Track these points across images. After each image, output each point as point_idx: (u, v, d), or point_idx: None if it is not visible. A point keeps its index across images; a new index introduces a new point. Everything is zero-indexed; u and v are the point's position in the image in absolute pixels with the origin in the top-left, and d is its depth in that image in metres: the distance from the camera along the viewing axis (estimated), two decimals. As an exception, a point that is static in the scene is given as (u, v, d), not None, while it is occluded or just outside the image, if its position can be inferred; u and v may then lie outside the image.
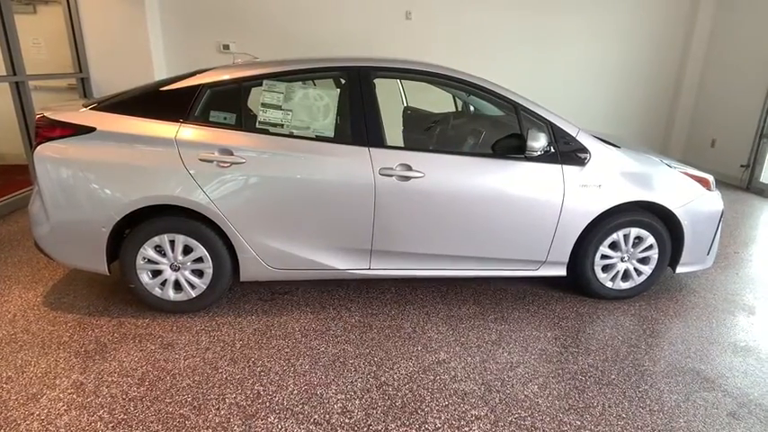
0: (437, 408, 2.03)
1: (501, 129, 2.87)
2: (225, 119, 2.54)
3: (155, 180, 2.44)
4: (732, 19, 5.65)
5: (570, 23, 5.77)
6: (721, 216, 2.91)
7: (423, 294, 2.96)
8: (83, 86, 5.39)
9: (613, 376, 2.27)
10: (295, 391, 2.11)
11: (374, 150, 2.52)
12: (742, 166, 5.46)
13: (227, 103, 2.55)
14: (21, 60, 4.28)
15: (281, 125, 2.53)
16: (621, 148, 2.87)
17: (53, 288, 2.95)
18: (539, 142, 2.45)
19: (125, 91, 2.71)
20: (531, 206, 2.65)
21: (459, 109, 3.66)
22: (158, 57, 5.49)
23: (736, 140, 5.57)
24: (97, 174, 2.43)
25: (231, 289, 2.95)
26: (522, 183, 2.63)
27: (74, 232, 2.52)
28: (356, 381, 2.18)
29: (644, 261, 2.88)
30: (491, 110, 3.41)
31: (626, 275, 2.89)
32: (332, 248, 2.64)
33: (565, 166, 2.64)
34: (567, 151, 2.65)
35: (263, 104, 2.53)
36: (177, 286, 2.64)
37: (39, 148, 2.45)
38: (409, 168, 2.52)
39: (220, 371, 2.23)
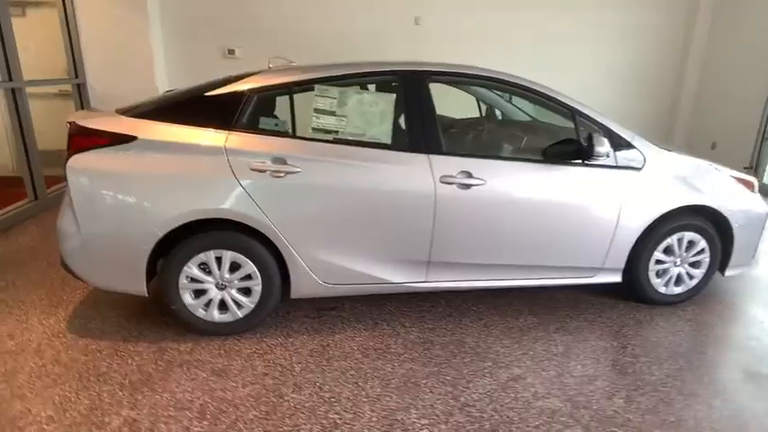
0: (528, 429, 1.92)
1: (550, 134, 2.80)
2: (276, 125, 2.38)
3: (203, 192, 2.26)
4: (731, 20, 5.77)
5: (570, 25, 5.79)
6: (766, 218, 2.91)
7: (475, 306, 2.85)
8: (79, 93, 5.08)
9: (694, 386, 2.21)
10: (374, 418, 1.95)
11: (434, 157, 2.41)
12: (746, 168, 5.59)
13: (276, 109, 2.39)
14: (18, 66, 3.98)
15: (336, 132, 2.39)
16: (672, 151, 2.84)
17: (76, 312, 2.70)
18: (604, 147, 2.39)
19: (162, 96, 2.54)
20: (590, 212, 2.58)
21: (483, 114, 3.59)
22: (159, 62, 5.24)
23: (738, 142, 5.69)
24: (139, 187, 2.23)
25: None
26: (581, 189, 2.56)
27: (110, 251, 2.30)
28: (435, 403, 2.05)
29: (695, 265, 2.85)
30: (519, 114, 3.36)
31: (678, 280, 2.86)
32: (388, 261, 2.50)
33: (622, 171, 2.59)
34: (623, 156, 2.60)
35: (316, 110, 2.38)
36: (222, 306, 2.44)
37: (72, 159, 2.23)
38: (470, 176, 2.41)
39: (287, 399, 2.05)
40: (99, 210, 2.25)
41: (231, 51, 5.40)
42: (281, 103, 2.42)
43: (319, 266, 2.43)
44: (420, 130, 2.42)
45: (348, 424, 1.92)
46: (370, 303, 2.83)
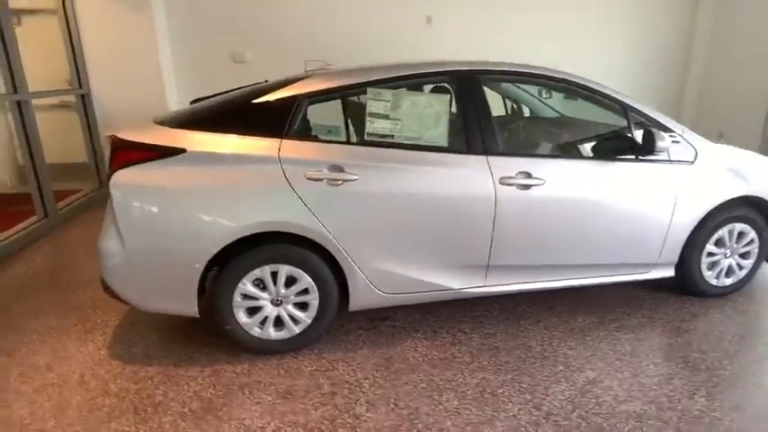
0: (620, 435, 1.86)
1: (597, 130, 2.75)
2: (329, 132, 2.28)
3: (259, 205, 2.14)
4: (736, 9, 5.83)
5: (576, 19, 5.79)
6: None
7: (530, 308, 2.79)
8: (83, 104, 4.87)
9: (769, 379, 2.18)
10: (461, 433, 1.87)
11: (492, 158, 2.33)
12: (754, 156, 5.66)
13: (330, 115, 2.29)
14: (23, 77, 3.79)
15: (391, 136, 2.29)
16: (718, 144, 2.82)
17: (114, 337, 2.55)
18: (665, 142, 2.35)
19: (204, 106, 2.41)
20: (647, 207, 2.54)
21: (509, 111, 3.54)
22: (167, 69, 5.06)
23: (745, 131, 5.76)
24: (190, 202, 2.10)
25: (322, 320, 2.66)
26: (638, 184, 2.52)
27: (159, 271, 2.17)
28: (518, 414, 1.97)
29: (744, 256, 2.84)
30: (549, 111, 3.31)
31: (729, 271, 2.84)
32: (447, 267, 2.42)
33: (675, 165, 2.56)
34: (676, 150, 2.56)
35: (371, 114, 2.28)
36: (278, 323, 2.33)
37: (116, 174, 2.09)
38: (529, 176, 2.35)
39: (363, 419, 1.95)
40: (147, 228, 2.12)
41: (241, 56, 5.24)
42: (332, 108, 2.32)
43: (378, 276, 2.33)
44: (477, 130, 2.34)
45: (435, 441, 1.84)
46: (422, 311, 2.74)
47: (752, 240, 2.80)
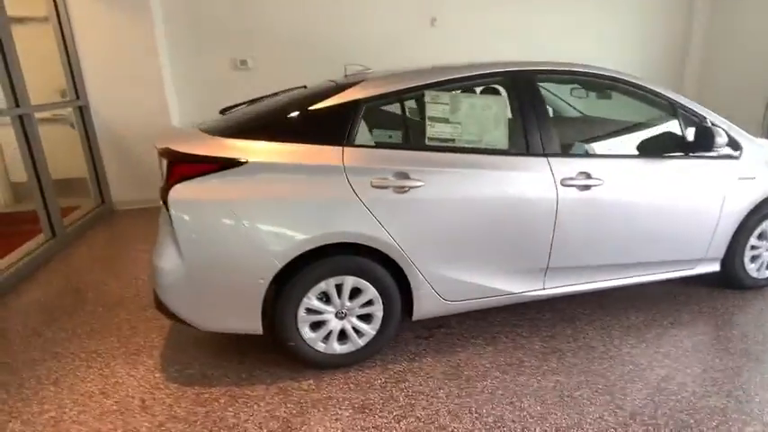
0: (709, 431, 1.87)
1: (643, 128, 2.78)
2: (390, 137, 2.23)
3: (326, 216, 2.07)
4: (734, 2, 5.91)
5: (576, 19, 5.86)
6: None
7: (580, 308, 2.79)
8: (81, 116, 4.67)
9: (832, 367, 2.23)
10: (553, 439, 1.85)
11: (553, 160, 2.32)
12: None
13: (389, 120, 2.24)
14: (24, 90, 3.60)
15: (452, 140, 2.26)
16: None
17: (164, 358, 2.43)
18: (722, 138, 2.39)
19: (251, 113, 2.34)
20: (698, 204, 2.58)
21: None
22: (167, 78, 4.90)
23: (746, 112, 5.76)
24: (254, 215, 2.02)
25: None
26: (689, 181, 2.55)
27: (222, 288, 2.08)
28: (603, 415, 1.96)
29: (782, 248, 2.91)
30: (571, 110, 3.33)
31: (769, 263, 2.91)
32: (507, 271, 2.39)
33: (723, 161, 2.60)
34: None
35: (431, 118, 2.24)
36: (341, 336, 2.26)
37: (174, 189, 1.99)
38: (589, 176, 2.35)
39: (451, 430, 1.91)
40: (208, 244, 2.03)
41: (243, 62, 5.12)
42: (394, 112, 2.27)
43: (442, 284, 2.29)
44: (536, 131, 2.33)
45: (529, 449, 1.81)
46: (474, 317, 2.71)
47: (790, 232, 2.87)
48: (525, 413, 1.98)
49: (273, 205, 2.04)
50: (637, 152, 2.52)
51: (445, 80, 2.29)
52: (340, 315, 2.23)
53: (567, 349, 2.41)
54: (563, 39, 5.81)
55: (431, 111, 2.24)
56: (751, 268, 2.86)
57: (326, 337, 2.24)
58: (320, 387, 2.18)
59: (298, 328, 2.18)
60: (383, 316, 2.27)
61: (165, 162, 2.07)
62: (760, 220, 2.75)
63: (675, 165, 2.52)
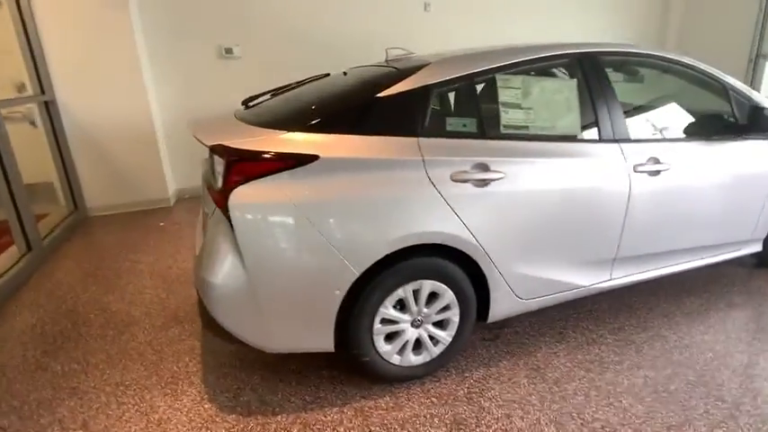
0: (814, 416, 1.83)
1: (702, 109, 2.73)
2: (464, 126, 2.03)
3: (407, 215, 1.85)
4: None
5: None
6: None
7: (635, 297, 2.73)
8: (48, 112, 4.11)
9: None
10: (670, 441, 1.75)
11: (624, 146, 2.22)
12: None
13: (461, 106, 2.05)
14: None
15: (526, 127, 2.10)
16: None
17: (206, 384, 2.13)
18: None
19: (304, 103, 2.07)
20: (749, 185, 2.57)
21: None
22: (145, 66, 4.42)
23: (729, 69, 5.92)
24: (329, 218, 1.76)
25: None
26: (745, 162, 2.54)
27: (292, 303, 1.82)
28: (708, 409, 1.89)
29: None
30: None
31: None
32: (578, 264, 2.27)
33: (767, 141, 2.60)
34: (768, 125, 2.60)
35: (504, 104, 2.06)
36: (415, 346, 2.07)
37: (236, 192, 1.71)
38: (657, 161, 2.26)
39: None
40: (277, 253, 1.76)
41: (229, 51, 4.70)
42: (465, 98, 2.07)
43: (518, 281, 2.13)
44: (607, 116, 2.20)
45: (650, 454, 1.69)
46: (531, 315, 2.58)
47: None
48: (629, 414, 1.87)
49: (349, 206, 1.79)
50: (696, 135, 2.46)
51: (515, 63, 2.11)
52: (416, 323, 2.03)
53: (641, 340, 2.33)
54: (544, 12, 5.74)
55: (503, 96, 2.07)
56: (787, 246, 2.91)
57: (402, 349, 2.03)
58: (400, 404, 1.97)
59: (373, 341, 1.96)
60: (460, 320, 2.09)
61: (218, 160, 1.77)
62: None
63: (731, 147, 2.49)
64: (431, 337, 2.07)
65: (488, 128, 2.04)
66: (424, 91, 1.95)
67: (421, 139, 1.90)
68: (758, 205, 2.63)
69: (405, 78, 1.98)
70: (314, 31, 4.94)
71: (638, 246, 2.36)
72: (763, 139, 2.57)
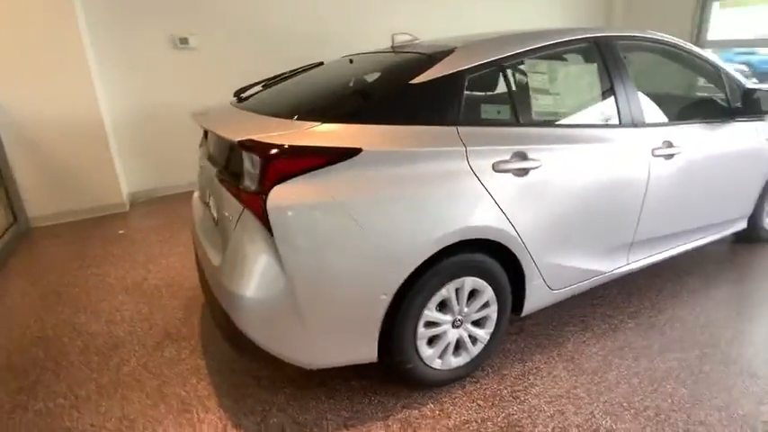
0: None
1: (701, 93, 2.82)
2: (498, 113, 1.94)
3: (452, 210, 1.73)
4: None
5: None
6: None
7: (641, 280, 2.77)
8: (-20, 112, 3.56)
9: None
10: (724, 421, 1.76)
11: (643, 130, 2.22)
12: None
13: (493, 93, 1.94)
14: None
15: (555, 113, 2.04)
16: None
17: (225, 409, 1.90)
18: None
19: (334, 92, 1.90)
20: (744, 164, 2.70)
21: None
22: (91, 59, 3.95)
23: (674, 30, 6.11)
24: (373, 216, 1.60)
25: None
26: (740, 142, 2.65)
27: (336, 312, 1.65)
28: (748, 387, 1.93)
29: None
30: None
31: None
32: (601, 250, 2.26)
33: (757, 123, 2.73)
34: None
35: (534, 89, 1.99)
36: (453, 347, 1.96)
37: (275, 192, 1.51)
38: (671, 145, 2.29)
39: (618, 431, 1.73)
40: (320, 258, 1.58)
41: (184, 41, 4.31)
42: (496, 84, 1.97)
43: (550, 272, 2.08)
44: (626, 101, 2.19)
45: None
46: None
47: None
48: (676, 399, 1.88)
49: (395, 202, 1.64)
50: (698, 118, 2.53)
51: (542, 47, 2.04)
52: (456, 323, 1.92)
53: (660, 323, 2.37)
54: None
55: (533, 81, 2.00)
56: (767, 222, 3.09)
57: (444, 351, 1.92)
58: (447, 411, 1.86)
59: (416, 346, 1.83)
60: (497, 317, 2.01)
61: (246, 157, 1.56)
62: (780, 178, 2.96)
63: (727, 128, 2.58)
64: (470, 337, 1.97)
65: (521, 114, 1.96)
66: (458, 77, 1.83)
67: (459, 127, 1.78)
68: (751, 183, 2.76)
69: (435, 64, 1.85)
70: (276, 19, 4.66)
71: (652, 229, 2.39)
72: (752, 120, 2.69)
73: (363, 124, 1.66)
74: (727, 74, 2.64)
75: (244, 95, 2.26)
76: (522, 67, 2.01)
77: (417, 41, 2.40)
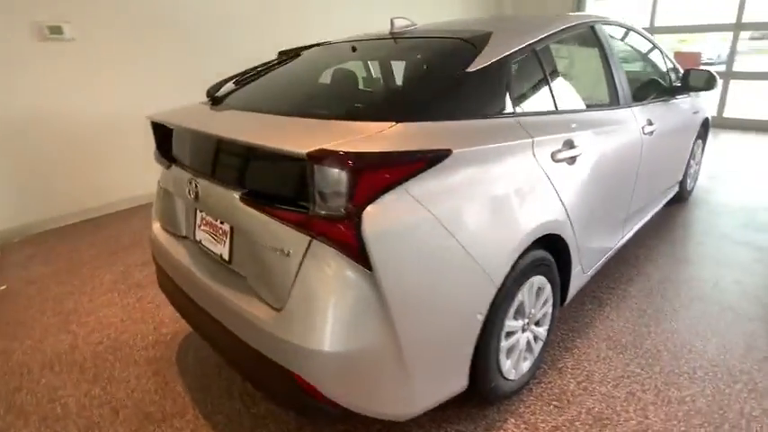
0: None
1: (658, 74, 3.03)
2: (542, 100, 1.83)
3: (529, 206, 1.59)
4: None
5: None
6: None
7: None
8: None
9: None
10: None
11: (635, 110, 2.33)
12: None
13: (533, 80, 1.83)
14: None
15: (583, 97, 2.03)
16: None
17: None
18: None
19: (390, 87, 1.63)
20: (683, 135, 3.04)
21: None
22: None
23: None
24: (466, 225, 1.39)
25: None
26: (680, 115, 2.95)
27: (436, 347, 1.41)
28: (755, 329, 2.16)
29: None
30: None
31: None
32: (612, 227, 2.34)
33: (689, 99, 3.08)
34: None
35: (563, 74, 1.93)
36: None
37: (370, 214, 1.20)
38: (651, 123, 2.45)
39: (682, 401, 1.79)
40: (423, 287, 1.32)
41: (56, 30, 3.39)
42: (535, 70, 1.85)
43: (585, 256, 2.07)
44: (621, 83, 2.27)
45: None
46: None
47: (702, 150, 3.65)
48: (728, 350, 2.02)
49: (482, 206, 1.44)
50: (658, 97, 2.75)
51: (561, 30, 1.97)
52: (525, 327, 1.79)
53: (659, 287, 2.54)
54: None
55: (561, 66, 1.94)
56: (689, 183, 3.55)
57: (516, 360, 1.78)
58: (531, 422, 1.73)
59: (499, 362, 1.66)
60: (552, 312, 1.93)
61: (326, 173, 1.20)
62: (696, 145, 3.40)
63: (675, 104, 2.87)
64: (534, 338, 1.87)
65: (559, 100, 1.88)
66: (506, 62, 1.68)
67: (519, 118, 1.64)
68: (684, 152, 3.12)
69: (482, 49, 1.66)
70: (165, 5, 3.97)
71: (638, 201, 2.54)
72: (686, 97, 3.03)
73: (440, 121, 1.42)
74: (668, 56, 2.92)
75: (218, 94, 1.82)
76: (551, 51, 1.93)
77: (415, 26, 2.17)
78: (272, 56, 2.22)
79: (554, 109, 1.84)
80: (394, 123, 1.34)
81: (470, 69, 1.57)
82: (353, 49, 2.02)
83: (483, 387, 1.63)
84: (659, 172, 2.75)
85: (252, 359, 1.40)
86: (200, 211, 1.66)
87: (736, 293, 2.44)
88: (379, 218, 1.20)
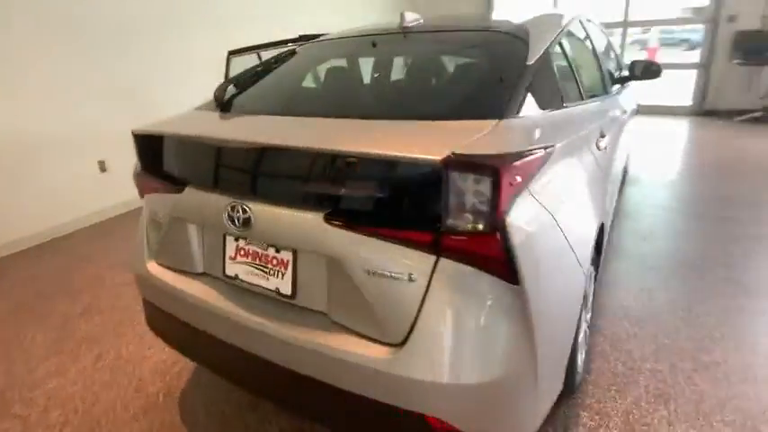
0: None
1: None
2: (573, 90, 1.83)
3: (597, 196, 1.59)
4: None
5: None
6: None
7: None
8: None
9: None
10: None
11: (616, 97, 2.47)
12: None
13: (562, 71, 1.82)
14: None
15: (597, 86, 2.10)
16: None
17: None
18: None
19: (472, 83, 1.54)
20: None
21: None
22: None
23: None
24: (570, 218, 1.33)
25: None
26: (629, 101, 3.19)
27: (556, 357, 1.33)
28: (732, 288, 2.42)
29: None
30: None
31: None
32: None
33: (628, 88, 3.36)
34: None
35: (581, 65, 1.96)
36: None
37: (513, 221, 1.07)
38: (625, 111, 2.63)
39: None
40: (553, 295, 1.23)
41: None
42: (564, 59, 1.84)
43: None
44: (604, 71, 2.39)
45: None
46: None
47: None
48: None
49: (574, 198, 1.42)
50: (618, 86, 2.94)
51: (568, 22, 2.00)
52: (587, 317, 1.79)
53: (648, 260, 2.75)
54: None
55: (577, 57, 1.96)
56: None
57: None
58: (604, 411, 1.73)
59: (577, 360, 1.63)
60: (592, 300, 1.97)
61: (464, 180, 1.04)
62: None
63: (625, 91, 3.10)
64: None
65: (584, 90, 1.90)
66: (548, 55, 1.64)
67: (568, 109, 1.62)
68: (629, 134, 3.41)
69: (528, 42, 1.60)
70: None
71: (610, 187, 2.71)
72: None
73: (532, 115, 1.34)
74: (614, 48, 3.15)
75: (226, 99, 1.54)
76: (568, 43, 1.93)
77: (419, 20, 2.04)
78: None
79: (584, 98, 1.86)
80: (497, 120, 1.21)
81: (529, 63, 1.50)
82: (374, 45, 1.83)
83: (570, 385, 1.59)
84: (620, 155, 2.97)
85: (349, 405, 1.19)
86: (239, 240, 1.38)
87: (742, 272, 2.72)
88: (520, 224, 1.07)
